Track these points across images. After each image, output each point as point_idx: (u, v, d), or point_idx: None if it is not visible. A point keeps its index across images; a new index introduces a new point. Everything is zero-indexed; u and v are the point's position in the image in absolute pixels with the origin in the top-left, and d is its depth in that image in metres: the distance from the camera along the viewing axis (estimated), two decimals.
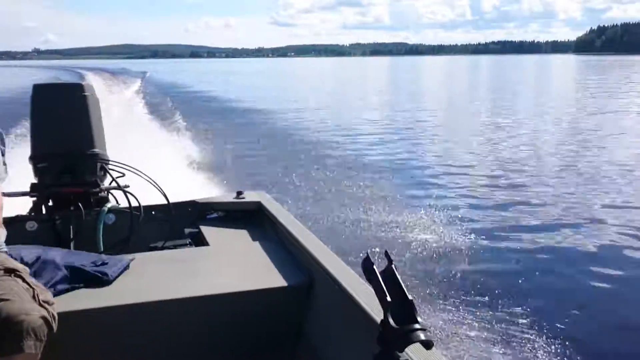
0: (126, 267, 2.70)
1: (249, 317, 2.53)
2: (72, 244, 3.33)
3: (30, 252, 2.58)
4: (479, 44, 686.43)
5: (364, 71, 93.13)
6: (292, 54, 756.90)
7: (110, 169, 3.58)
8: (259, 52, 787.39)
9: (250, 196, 3.84)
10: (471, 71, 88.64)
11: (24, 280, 2.08)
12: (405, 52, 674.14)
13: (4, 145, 2.36)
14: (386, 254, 1.45)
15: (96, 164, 3.50)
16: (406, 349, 1.35)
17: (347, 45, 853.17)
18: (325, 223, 8.30)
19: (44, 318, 1.93)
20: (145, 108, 26.03)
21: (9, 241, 2.37)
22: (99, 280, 2.52)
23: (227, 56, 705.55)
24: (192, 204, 3.86)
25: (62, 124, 3.48)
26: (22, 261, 2.34)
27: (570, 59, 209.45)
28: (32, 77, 59.40)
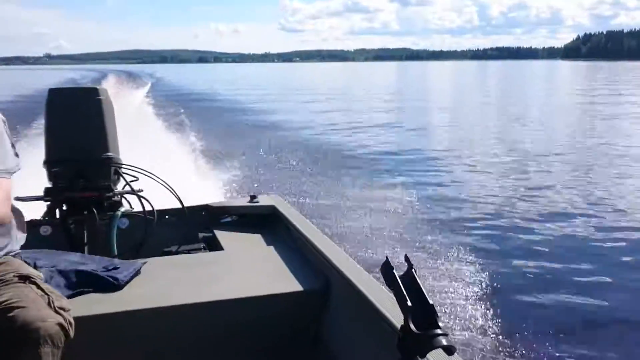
0: (138, 272, 2.63)
1: (265, 322, 2.45)
2: (85, 249, 3.25)
3: (44, 256, 2.53)
4: (478, 49, 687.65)
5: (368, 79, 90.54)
6: (297, 59, 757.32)
7: (124, 173, 3.49)
8: (265, 57, 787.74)
9: (264, 200, 3.75)
10: (481, 78, 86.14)
11: (38, 286, 2.03)
12: (407, 58, 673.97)
13: (8, 133, 2.20)
14: (406, 258, 1.38)
15: (110, 168, 3.42)
16: (427, 355, 1.28)
17: (352, 50, 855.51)
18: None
19: (60, 325, 1.89)
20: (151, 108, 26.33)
21: (23, 245, 2.31)
22: (110, 285, 2.46)
23: (233, 61, 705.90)
24: (206, 208, 3.76)
25: (76, 128, 3.39)
26: (35, 266, 2.29)
27: (558, 64, 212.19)
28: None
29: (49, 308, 1.93)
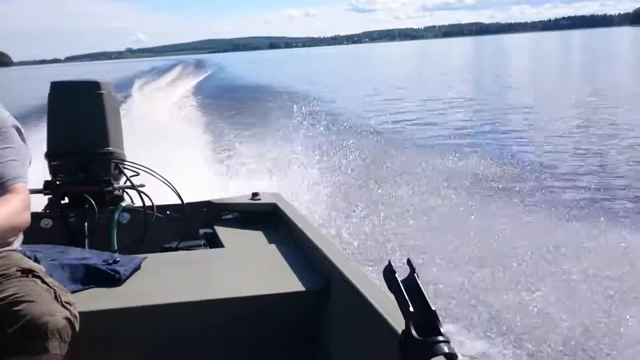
0: (138, 267, 2.56)
1: (264, 321, 2.38)
2: (86, 242, 3.19)
3: (44, 250, 2.48)
4: (549, 20, 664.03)
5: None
6: (367, 40, 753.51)
7: (124, 168, 3.42)
8: (335, 40, 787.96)
9: (265, 198, 3.66)
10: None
11: (42, 280, 1.98)
12: (476, 33, 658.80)
13: (24, 141, 2.18)
14: (408, 262, 1.33)
15: (110, 163, 3.35)
16: None
17: (422, 28, 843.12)
18: None
19: (67, 319, 1.84)
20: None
21: (23, 238, 2.27)
22: (111, 279, 2.40)
23: (303, 45, 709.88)
24: (207, 204, 3.70)
25: (77, 121, 3.34)
26: (35, 259, 2.23)
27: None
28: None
29: (56, 302, 1.89)
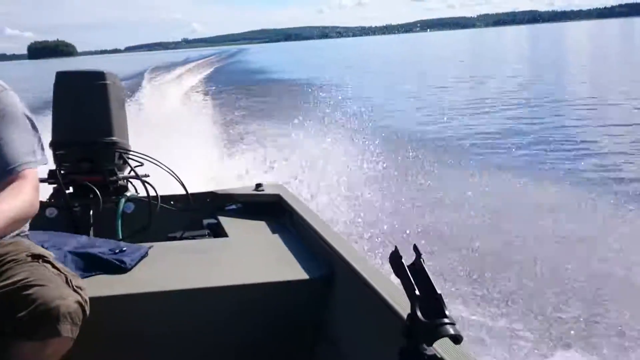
0: (144, 256, 2.56)
1: (268, 310, 2.38)
2: (91, 232, 3.21)
3: (51, 238, 2.52)
4: (605, 7, 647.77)
5: None
6: (418, 29, 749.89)
7: (129, 158, 3.41)
8: (386, 29, 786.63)
9: (269, 189, 3.67)
10: None
11: (53, 265, 1.98)
12: (528, 21, 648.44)
13: (36, 129, 2.21)
14: (415, 248, 1.34)
15: (114, 153, 3.35)
16: (434, 344, 1.28)
17: (475, 16, 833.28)
18: None
19: (78, 303, 1.85)
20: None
21: (29, 227, 2.29)
22: (117, 268, 2.41)
23: (354, 35, 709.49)
24: (211, 195, 3.73)
25: (81, 111, 3.34)
26: (42, 247, 2.24)
27: None
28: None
29: (68, 286, 1.89)
